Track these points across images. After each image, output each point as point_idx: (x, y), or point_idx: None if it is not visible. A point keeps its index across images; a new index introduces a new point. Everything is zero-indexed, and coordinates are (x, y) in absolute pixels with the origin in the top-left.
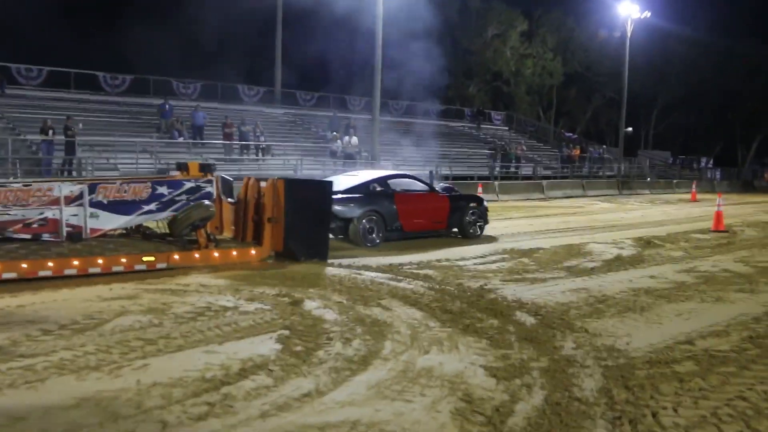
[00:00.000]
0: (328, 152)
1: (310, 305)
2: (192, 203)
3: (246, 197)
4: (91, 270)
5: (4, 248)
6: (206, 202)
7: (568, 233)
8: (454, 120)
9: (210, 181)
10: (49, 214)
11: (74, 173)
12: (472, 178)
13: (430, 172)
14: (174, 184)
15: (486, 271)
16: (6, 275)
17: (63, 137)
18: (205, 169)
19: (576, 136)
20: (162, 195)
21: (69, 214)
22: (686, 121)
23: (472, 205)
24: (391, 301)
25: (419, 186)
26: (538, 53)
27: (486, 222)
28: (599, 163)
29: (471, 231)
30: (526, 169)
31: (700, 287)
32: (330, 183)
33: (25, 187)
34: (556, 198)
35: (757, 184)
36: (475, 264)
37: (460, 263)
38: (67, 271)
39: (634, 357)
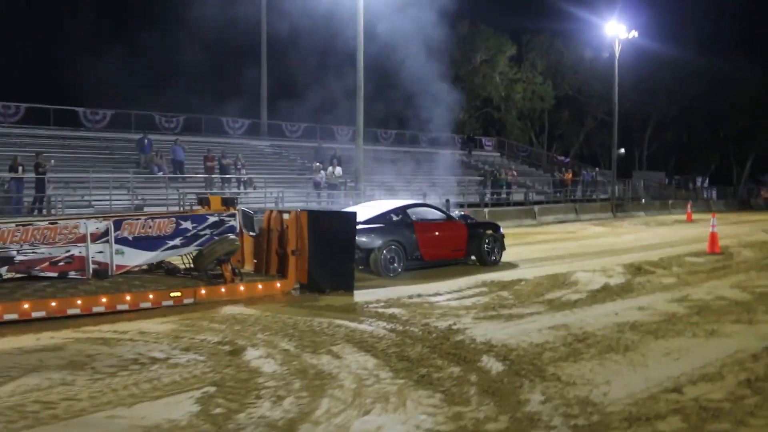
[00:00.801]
0: (312, 183)
1: (251, 354)
2: (216, 237)
3: (269, 230)
4: (119, 307)
5: (31, 287)
6: (231, 236)
7: (556, 261)
8: (444, 147)
9: (233, 215)
10: (75, 251)
11: (44, 211)
12: (462, 205)
13: (447, 201)
14: (198, 219)
15: (459, 308)
16: (36, 314)
17: (33, 174)
18: (228, 203)
19: (569, 159)
20: (186, 230)
21: (95, 251)
22: (679, 141)
23: (488, 232)
24: (345, 346)
25: (437, 214)
26: (528, 77)
27: (503, 248)
28: (592, 186)
29: (488, 258)
30: (518, 195)
31: (693, 319)
32: (354, 214)
33: (51, 225)
34: (548, 223)
35: (753, 203)
36: (448, 299)
37: (432, 299)
38: (95, 309)
39: (611, 412)
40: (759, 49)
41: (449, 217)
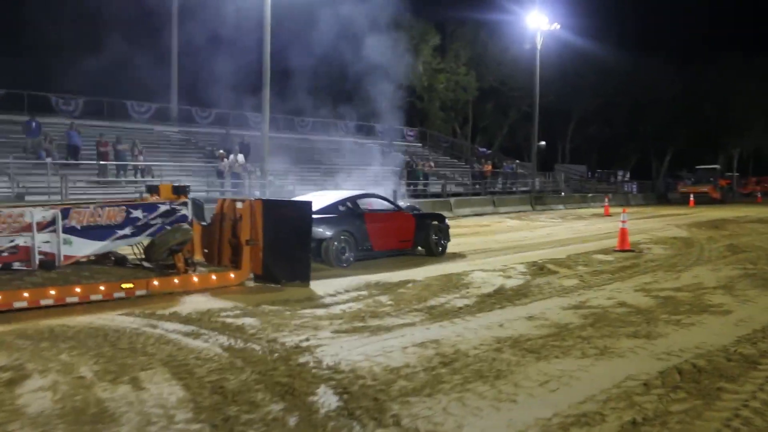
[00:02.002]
0: (215, 172)
1: (31, 385)
2: (167, 227)
3: (221, 219)
4: (69, 299)
5: None
6: (184, 225)
7: (457, 259)
8: (365, 137)
9: (185, 204)
10: (20, 241)
11: None
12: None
13: (394, 191)
14: (149, 208)
15: (323, 317)
16: None
17: None
18: (179, 191)
19: (490, 151)
20: (137, 219)
21: (41, 241)
22: (601, 135)
23: (434, 223)
24: (157, 372)
25: (386, 205)
26: (452, 68)
27: (448, 239)
28: (513, 178)
29: (435, 249)
30: (436, 187)
31: (585, 332)
32: (310, 204)
33: None
34: (464, 216)
35: (671, 197)
36: (317, 306)
37: (301, 304)
38: (44, 302)
39: None
40: (676, 47)
41: (398, 208)
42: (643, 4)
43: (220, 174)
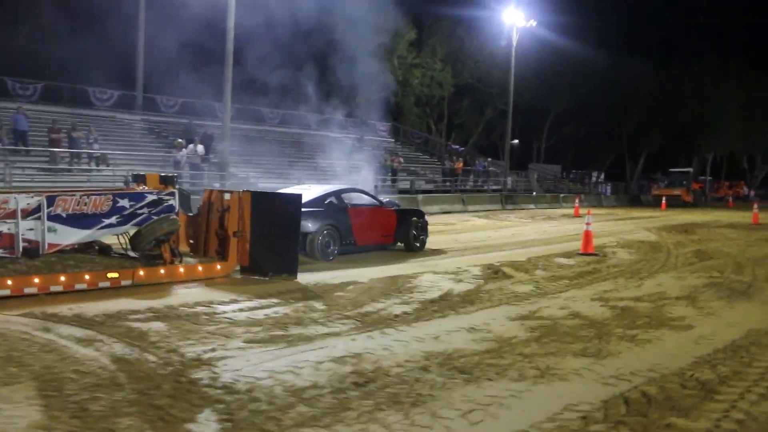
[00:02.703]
0: (172, 162)
1: None
2: (154, 217)
3: (208, 210)
4: (53, 288)
5: None
6: (172, 215)
7: (410, 259)
8: (335, 131)
9: (172, 194)
10: (4, 228)
11: None
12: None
13: (375, 186)
14: (136, 197)
15: (242, 323)
16: None
17: None
18: (167, 181)
19: (463, 148)
20: (123, 208)
21: (25, 228)
22: (576, 135)
23: (414, 219)
24: (25, 387)
25: (369, 200)
26: (428, 63)
27: (426, 235)
28: (485, 176)
29: (414, 244)
30: (405, 183)
31: (529, 347)
32: (299, 196)
33: None
34: (431, 214)
35: (643, 199)
36: (240, 310)
37: (229, 306)
38: (27, 290)
39: None
40: (654, 47)
41: (380, 203)
42: (621, 3)
43: (177, 164)
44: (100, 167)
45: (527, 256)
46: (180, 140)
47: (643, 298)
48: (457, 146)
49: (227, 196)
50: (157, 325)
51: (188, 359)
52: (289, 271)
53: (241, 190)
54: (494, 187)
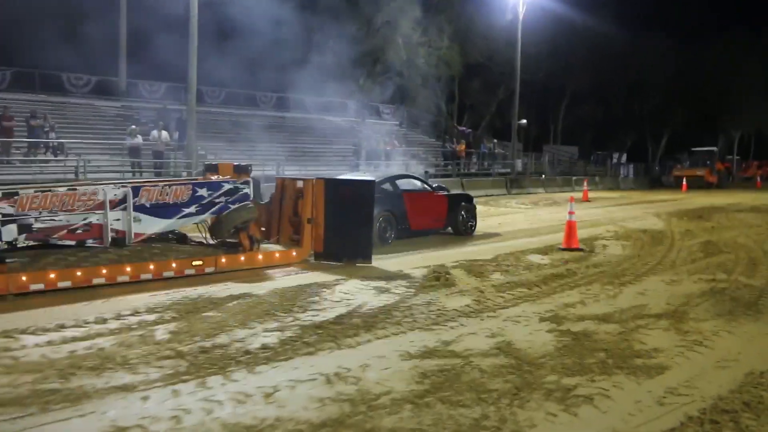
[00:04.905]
0: (127, 149)
1: None
2: (230, 205)
3: (281, 197)
4: (143, 276)
5: (53, 256)
6: (249, 204)
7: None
8: (333, 114)
9: (248, 182)
10: (93, 219)
11: None
12: None
13: (426, 172)
14: (213, 186)
15: (12, 369)
16: (61, 284)
17: None
18: (242, 170)
19: (470, 130)
20: (202, 197)
21: (113, 219)
22: (595, 115)
23: (464, 204)
24: None
25: (420, 185)
26: (434, 42)
27: (476, 221)
28: (491, 159)
29: (464, 229)
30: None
31: (398, 414)
32: (372, 182)
33: (70, 192)
34: None
35: (665, 180)
36: (44, 344)
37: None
38: (120, 278)
39: None
40: (676, 24)
41: (431, 189)
42: None
43: (133, 152)
44: (57, 157)
45: (496, 253)
46: (133, 126)
47: (611, 317)
48: (464, 128)
49: (300, 184)
50: None
51: None
52: (364, 255)
53: (314, 178)
54: (502, 171)
